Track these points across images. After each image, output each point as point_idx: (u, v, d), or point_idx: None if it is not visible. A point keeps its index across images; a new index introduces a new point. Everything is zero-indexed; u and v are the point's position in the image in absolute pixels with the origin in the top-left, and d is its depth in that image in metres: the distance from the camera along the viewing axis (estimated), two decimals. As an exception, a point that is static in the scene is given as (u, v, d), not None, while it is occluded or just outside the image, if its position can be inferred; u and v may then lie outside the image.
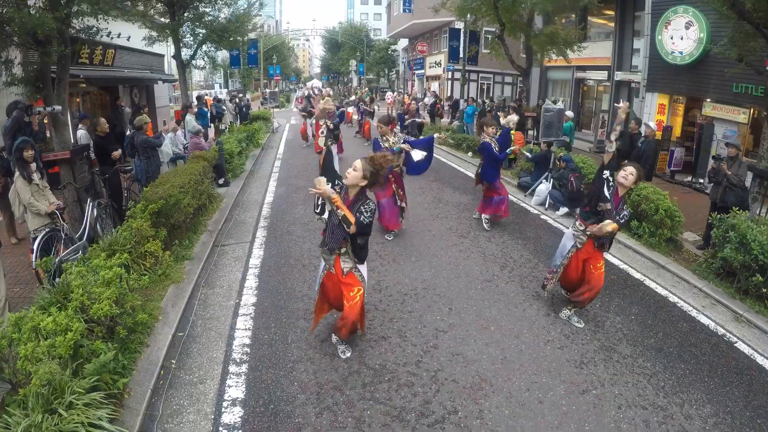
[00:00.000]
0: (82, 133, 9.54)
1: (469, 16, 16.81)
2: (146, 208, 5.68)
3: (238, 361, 4.15)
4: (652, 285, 6.18)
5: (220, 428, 3.46)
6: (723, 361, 4.59)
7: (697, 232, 8.18)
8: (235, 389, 3.81)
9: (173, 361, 4.11)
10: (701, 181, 12.60)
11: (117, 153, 7.71)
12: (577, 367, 4.29)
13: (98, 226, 6.24)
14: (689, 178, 13.04)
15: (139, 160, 8.43)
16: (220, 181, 10.20)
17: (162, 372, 3.92)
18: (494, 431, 3.52)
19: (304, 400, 3.69)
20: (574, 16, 17.99)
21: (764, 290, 5.51)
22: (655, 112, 14.24)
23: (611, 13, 17.26)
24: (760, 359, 4.71)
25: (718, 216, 6.41)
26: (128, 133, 9.72)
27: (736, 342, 4.97)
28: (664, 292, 6.00)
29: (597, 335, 4.85)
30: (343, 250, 3.95)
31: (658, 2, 13.73)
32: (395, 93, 27.15)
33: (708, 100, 12.70)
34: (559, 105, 9.41)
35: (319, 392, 3.79)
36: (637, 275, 6.47)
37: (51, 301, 3.85)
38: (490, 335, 4.75)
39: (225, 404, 3.66)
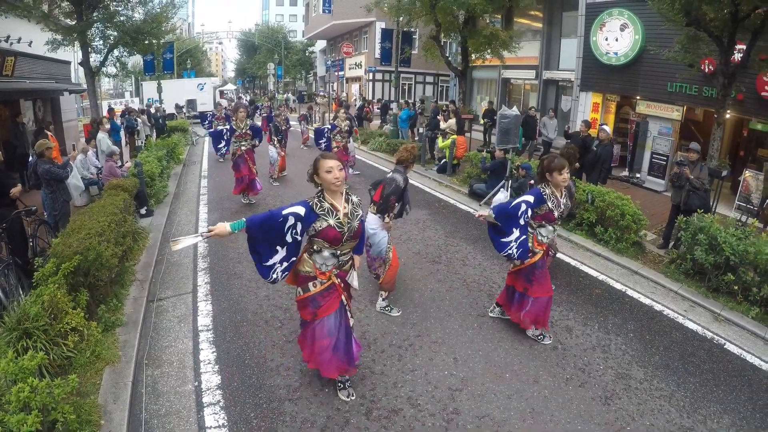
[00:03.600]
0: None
1: (402, 17, 16.29)
2: (59, 269, 4.35)
3: (224, 481, 3.12)
4: (635, 295, 6.21)
5: None
6: (721, 366, 4.74)
7: (651, 230, 8.43)
8: None
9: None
10: (638, 175, 13.15)
11: (17, 189, 6.12)
12: (605, 404, 4.07)
13: (0, 293, 4.82)
14: (625, 173, 13.50)
15: (44, 193, 6.89)
16: (142, 211, 8.72)
17: None
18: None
19: None
20: (500, 16, 18.01)
21: (735, 287, 5.92)
22: (589, 111, 14.55)
23: (539, 14, 17.47)
24: (750, 358, 4.93)
25: (684, 219, 6.74)
26: (31, 158, 8.00)
27: (725, 344, 5.17)
28: (647, 301, 6.05)
29: (608, 362, 4.66)
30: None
31: (593, 4, 14.04)
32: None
33: (640, 98, 13.16)
34: (515, 110, 8.97)
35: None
36: (618, 285, 6.44)
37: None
38: (508, 385, 4.20)
39: None
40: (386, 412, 3.75)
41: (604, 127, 9.83)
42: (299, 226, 3.36)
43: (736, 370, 4.65)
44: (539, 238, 4.67)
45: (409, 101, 20.79)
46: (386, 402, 3.84)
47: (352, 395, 3.89)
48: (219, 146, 10.01)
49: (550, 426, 3.73)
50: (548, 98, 17.98)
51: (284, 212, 3.30)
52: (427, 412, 3.78)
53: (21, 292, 4.97)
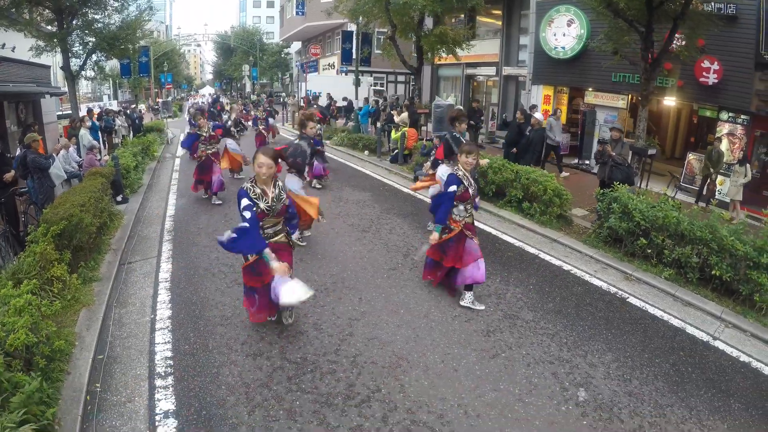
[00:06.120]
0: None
1: (361, 18, 17.24)
2: (48, 231, 5.42)
3: (163, 374, 4.17)
4: (547, 257, 6.85)
5: (158, 442, 3.49)
6: (617, 315, 5.28)
7: (585, 208, 9.08)
8: (165, 402, 3.84)
9: (97, 385, 4.04)
10: (587, 162, 13.95)
11: (10, 175, 7.18)
12: (485, 336, 4.76)
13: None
14: (576, 161, 14.39)
15: (32, 180, 7.95)
16: (119, 198, 9.76)
17: (88, 397, 3.83)
18: (417, 402, 3.84)
19: (235, 402, 3.81)
20: (462, 16, 18.92)
21: (649, 251, 6.39)
22: (541, 103, 15.40)
23: (499, 12, 18.40)
24: (651, 309, 5.48)
25: (601, 191, 7.23)
26: (18, 152, 9.04)
27: (628, 297, 5.72)
28: (558, 263, 6.69)
29: (500, 306, 5.37)
30: None
31: (542, 2, 14.95)
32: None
33: (589, 89, 14.02)
34: (450, 101, 10.04)
35: (248, 392, 3.92)
36: (532, 250, 7.13)
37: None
38: (400, 318, 5.06)
39: (158, 418, 3.66)
40: (294, 332, 4.80)
41: (536, 114, 10.90)
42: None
43: (633, 319, 5.16)
44: (454, 216, 5.19)
45: (369, 98, 21.81)
46: (296, 326, 4.89)
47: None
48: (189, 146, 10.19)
49: (429, 348, 4.49)
50: (509, 93, 18.95)
51: (247, 213, 4.00)
52: (326, 333, 4.80)
53: (14, 258, 6.02)
